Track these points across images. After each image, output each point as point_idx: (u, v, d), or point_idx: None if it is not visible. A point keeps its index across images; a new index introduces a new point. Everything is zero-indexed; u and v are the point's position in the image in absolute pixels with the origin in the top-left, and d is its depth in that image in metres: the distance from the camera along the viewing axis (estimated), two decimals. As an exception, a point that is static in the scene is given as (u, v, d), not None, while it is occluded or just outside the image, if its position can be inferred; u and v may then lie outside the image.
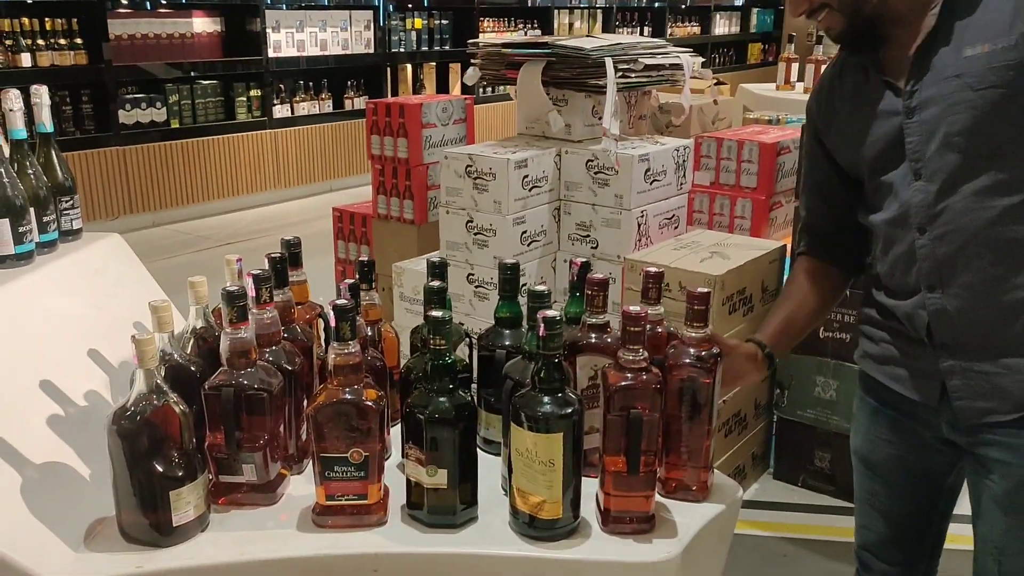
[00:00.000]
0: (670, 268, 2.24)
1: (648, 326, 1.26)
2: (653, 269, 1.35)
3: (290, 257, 1.49)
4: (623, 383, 1.20)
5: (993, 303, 1.29)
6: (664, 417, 1.27)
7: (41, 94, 1.61)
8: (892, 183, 1.35)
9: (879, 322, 1.47)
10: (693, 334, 1.28)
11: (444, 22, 7.49)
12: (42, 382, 1.34)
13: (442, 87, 7.64)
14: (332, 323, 1.20)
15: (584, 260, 1.43)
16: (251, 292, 1.30)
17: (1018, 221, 1.25)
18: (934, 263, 1.31)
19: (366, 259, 1.51)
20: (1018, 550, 1.35)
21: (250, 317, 1.29)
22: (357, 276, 1.49)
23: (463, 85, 7.56)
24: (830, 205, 1.54)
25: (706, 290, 1.26)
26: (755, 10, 11.74)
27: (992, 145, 1.25)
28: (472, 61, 2.99)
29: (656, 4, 9.88)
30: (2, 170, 1.49)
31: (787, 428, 2.81)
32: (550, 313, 1.17)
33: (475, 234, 2.64)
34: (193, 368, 1.33)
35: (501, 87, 7.41)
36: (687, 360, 1.28)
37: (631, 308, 1.19)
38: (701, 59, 2.97)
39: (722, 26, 11.11)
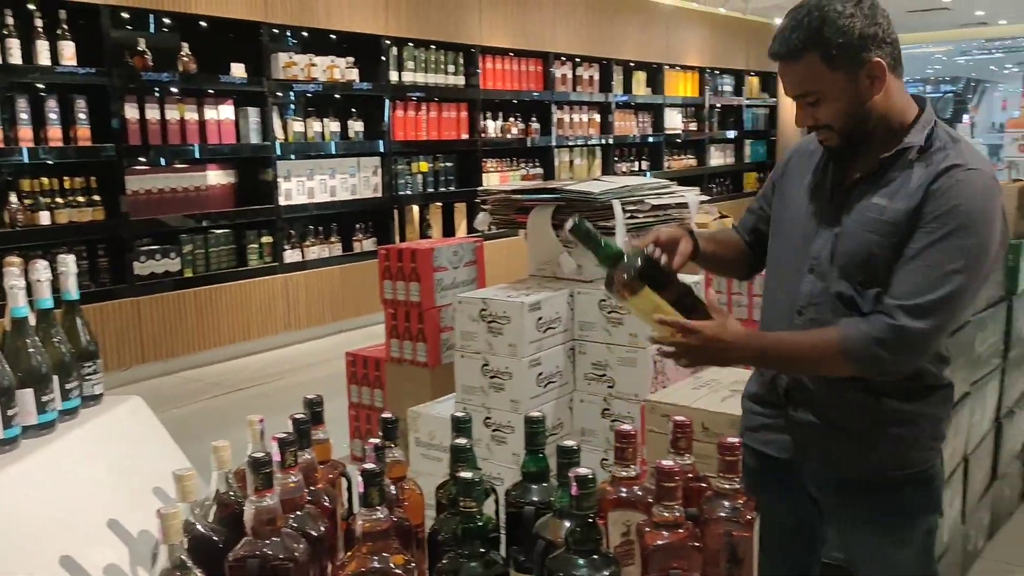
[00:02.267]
0: (691, 409, 2.22)
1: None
2: (681, 418, 1.34)
3: (312, 416, 1.48)
4: (661, 542, 1.16)
5: (833, 389, 1.63)
6: (704, 575, 1.23)
7: (68, 263, 1.65)
8: (791, 264, 1.69)
9: (755, 395, 1.79)
10: (727, 486, 1.25)
11: (448, 164, 7.74)
12: (62, 558, 1.31)
13: (448, 227, 7.82)
14: (360, 488, 1.18)
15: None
16: (276, 457, 1.29)
17: None
18: None
19: (390, 416, 1.50)
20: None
21: (275, 482, 1.27)
22: (381, 434, 1.48)
23: (470, 225, 7.73)
24: (761, 231, 1.89)
25: (737, 440, 1.25)
26: (748, 141, 12.15)
27: (862, 272, 1.58)
28: (482, 207, 3.07)
29: (651, 139, 10.23)
30: (28, 340, 1.51)
31: None
32: (582, 471, 1.15)
33: (491, 377, 2.64)
34: (216, 537, 1.30)
35: (506, 224, 7.57)
36: (723, 514, 1.25)
37: (664, 463, 1.17)
38: (705, 197, 3.04)
39: (717, 157, 11.47)
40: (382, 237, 7.07)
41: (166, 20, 5.89)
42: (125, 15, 5.55)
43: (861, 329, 1.53)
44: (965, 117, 16.47)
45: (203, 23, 5.91)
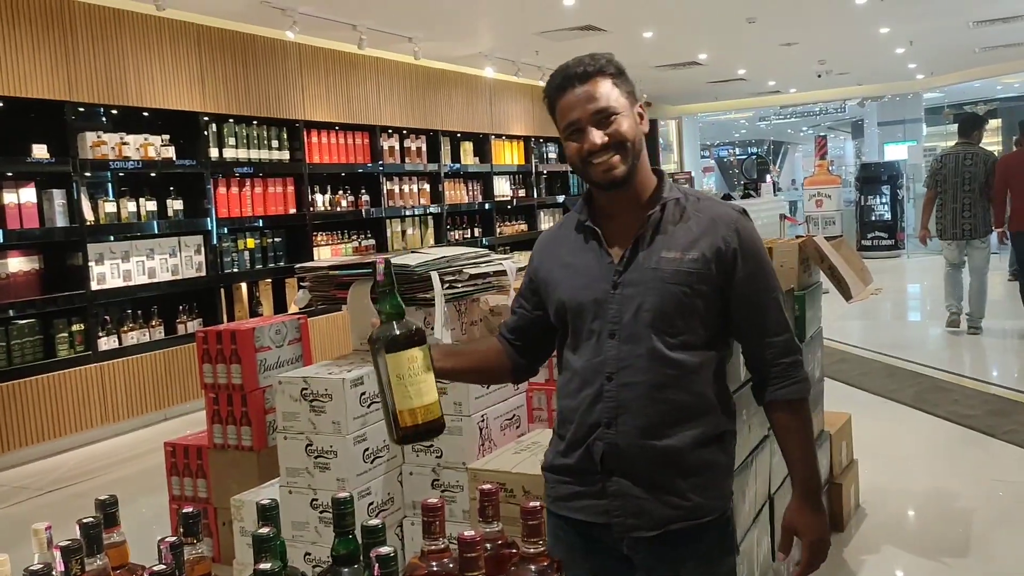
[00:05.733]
0: (511, 475, 2.25)
1: (489, 545, 1.26)
2: (487, 487, 1.36)
3: (105, 519, 1.39)
4: (466, 614, 1.17)
5: (649, 445, 1.67)
6: (513, 642, 1.24)
7: None
8: (592, 335, 1.72)
9: (563, 465, 1.78)
10: (531, 549, 1.28)
11: (277, 239, 7.59)
12: None
13: (279, 303, 7.63)
14: (150, 592, 1.12)
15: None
16: (59, 567, 1.20)
17: (674, 387, 1.67)
18: (616, 405, 1.69)
19: (190, 510, 1.43)
20: None
21: (57, 596, 1.18)
22: (181, 530, 1.41)
23: (300, 299, 7.56)
24: (528, 331, 1.90)
25: (537, 504, 1.28)
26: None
27: (670, 324, 1.67)
28: (301, 284, 3.03)
29: (485, 207, 10.46)
30: None
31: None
32: (384, 550, 1.15)
33: (316, 457, 2.57)
34: (-9, 664, 1.19)
35: (339, 297, 7.46)
36: (529, 577, 1.26)
37: (465, 534, 1.18)
38: (524, 264, 3.13)
39: (546, 221, 11.85)
40: (208, 317, 6.80)
41: (-43, 100, 5.53)
42: (-92, 95, 5.17)
43: (788, 387, 1.75)
44: (768, 177, 17.85)
45: (-1, 103, 5.59)
